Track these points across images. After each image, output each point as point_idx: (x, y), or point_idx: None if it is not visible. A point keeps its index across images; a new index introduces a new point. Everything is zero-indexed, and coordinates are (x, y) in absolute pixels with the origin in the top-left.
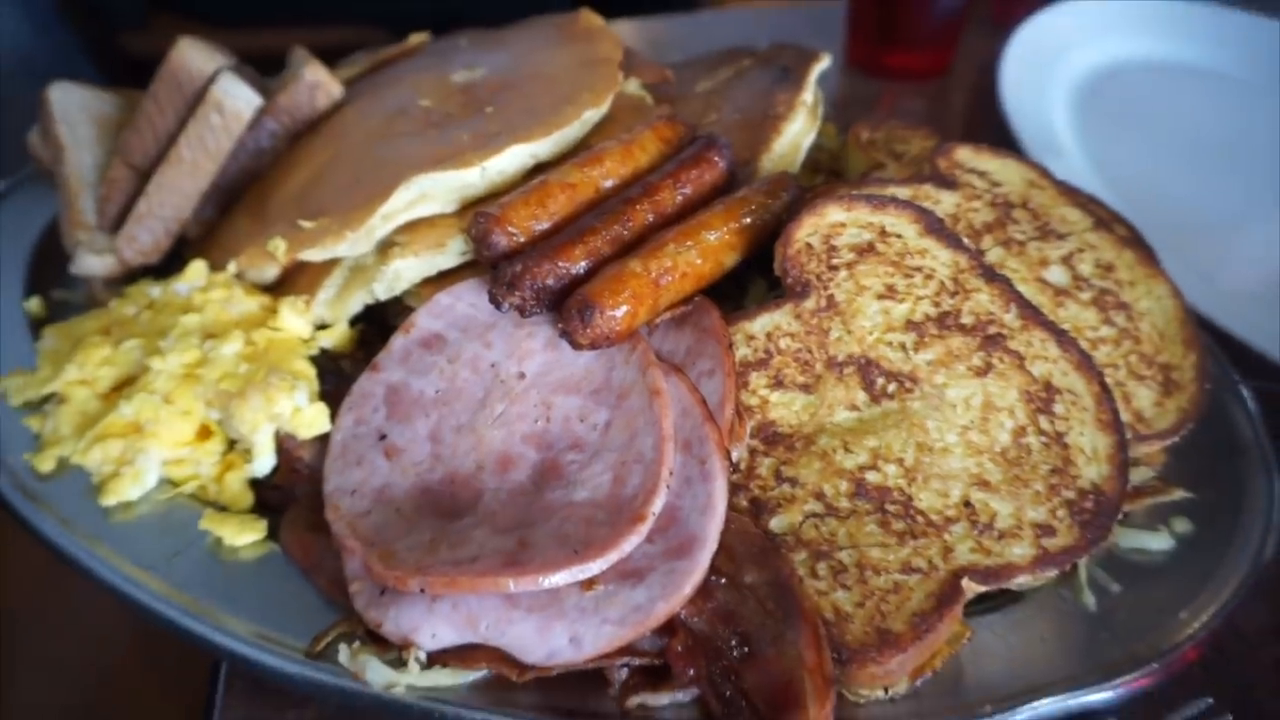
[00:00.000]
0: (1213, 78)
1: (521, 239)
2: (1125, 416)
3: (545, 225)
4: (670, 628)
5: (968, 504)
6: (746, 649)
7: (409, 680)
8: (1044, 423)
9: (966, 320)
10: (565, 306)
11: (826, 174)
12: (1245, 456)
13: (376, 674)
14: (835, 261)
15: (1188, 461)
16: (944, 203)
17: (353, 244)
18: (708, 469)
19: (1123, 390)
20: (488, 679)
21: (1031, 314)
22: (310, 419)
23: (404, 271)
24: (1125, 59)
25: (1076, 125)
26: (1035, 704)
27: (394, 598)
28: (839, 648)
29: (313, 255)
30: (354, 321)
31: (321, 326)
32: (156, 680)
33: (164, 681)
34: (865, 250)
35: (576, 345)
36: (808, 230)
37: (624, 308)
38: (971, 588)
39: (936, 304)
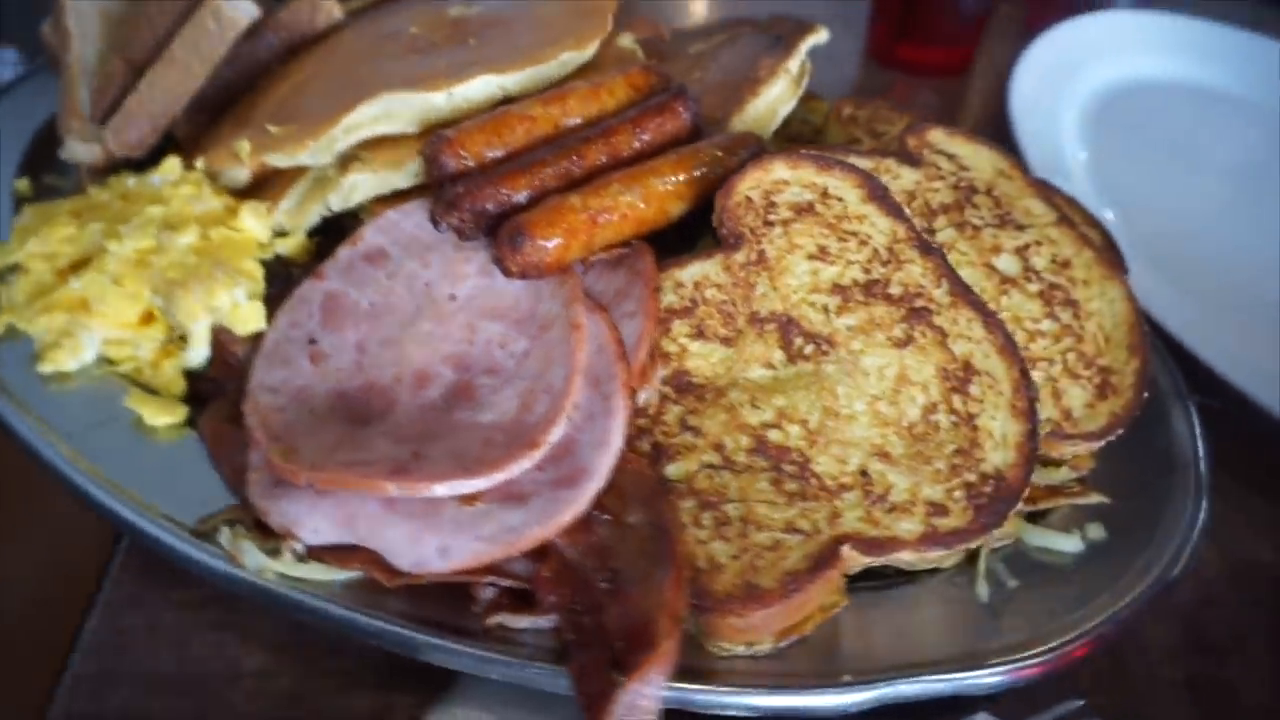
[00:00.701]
0: (1240, 104)
1: (471, 164)
2: (1053, 413)
3: (498, 154)
4: (543, 554)
5: (864, 473)
6: (615, 585)
7: (281, 569)
8: (957, 402)
9: (894, 290)
10: (499, 232)
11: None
12: (1176, 473)
13: (252, 558)
14: (772, 218)
15: (1117, 469)
16: (904, 178)
17: (314, 153)
18: (610, 405)
19: (1054, 386)
20: (361, 581)
21: (962, 292)
22: (246, 315)
23: (359, 185)
24: (1150, 78)
25: (1088, 140)
26: (897, 682)
27: (285, 491)
28: (704, 595)
29: (276, 160)
30: (315, 233)
31: (282, 234)
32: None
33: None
34: (804, 210)
35: (507, 272)
36: (750, 184)
37: (556, 240)
38: (852, 557)
39: (867, 270)
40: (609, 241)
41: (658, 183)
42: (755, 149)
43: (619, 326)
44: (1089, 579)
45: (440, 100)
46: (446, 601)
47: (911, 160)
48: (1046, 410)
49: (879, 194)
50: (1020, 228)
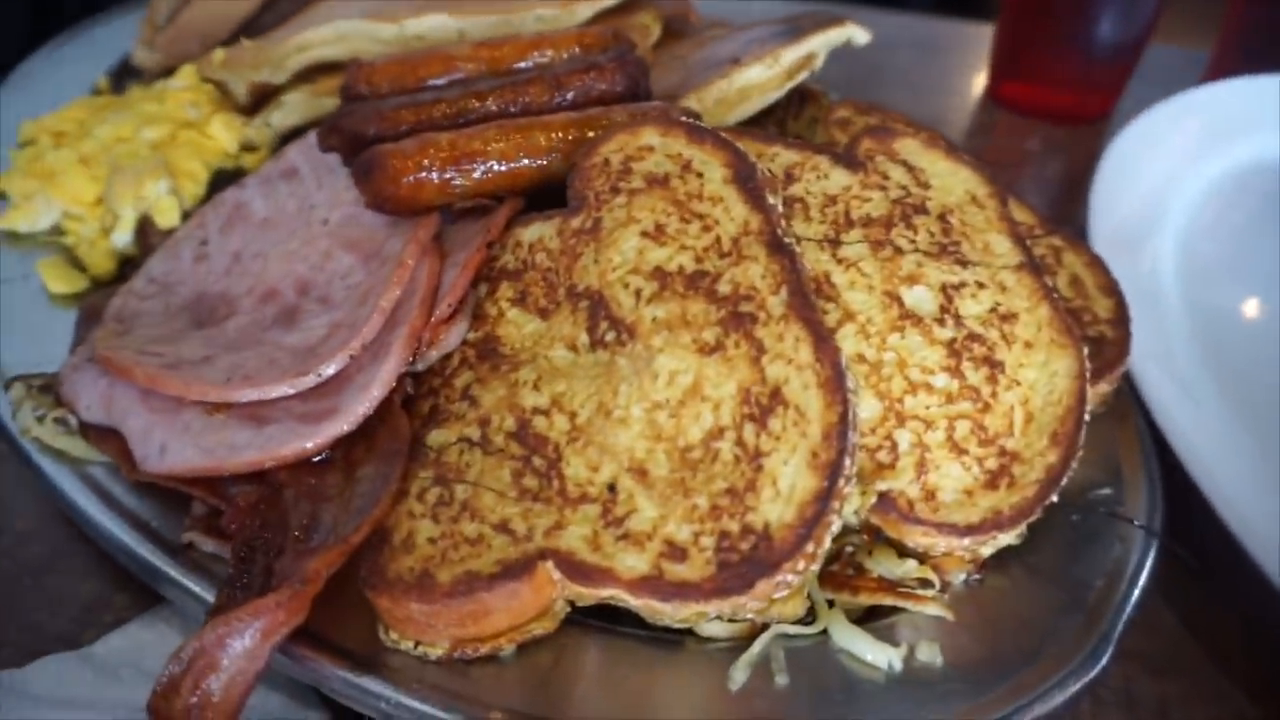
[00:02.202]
0: None
1: (382, 93)
2: (909, 488)
3: (411, 89)
4: (258, 481)
5: (612, 488)
6: (306, 535)
7: (40, 434)
8: (749, 433)
9: (723, 288)
10: (357, 158)
11: None
12: (1080, 614)
13: (23, 417)
14: (621, 185)
15: (1005, 585)
16: (831, 179)
17: (272, 70)
18: (387, 351)
19: (924, 455)
20: (112, 467)
21: (800, 306)
22: (164, 209)
23: (296, 105)
24: None
25: (1205, 214)
26: None
27: (86, 367)
28: (376, 572)
29: (243, 73)
30: None
31: (252, 149)
32: None
33: None
34: (657, 181)
35: (365, 202)
36: (614, 146)
37: (411, 176)
38: (555, 577)
39: (699, 260)
40: (481, 190)
41: (544, 137)
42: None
43: (444, 275)
44: (887, 707)
45: (389, 32)
46: (180, 511)
47: (849, 162)
48: (900, 481)
49: (746, 177)
50: (963, 263)
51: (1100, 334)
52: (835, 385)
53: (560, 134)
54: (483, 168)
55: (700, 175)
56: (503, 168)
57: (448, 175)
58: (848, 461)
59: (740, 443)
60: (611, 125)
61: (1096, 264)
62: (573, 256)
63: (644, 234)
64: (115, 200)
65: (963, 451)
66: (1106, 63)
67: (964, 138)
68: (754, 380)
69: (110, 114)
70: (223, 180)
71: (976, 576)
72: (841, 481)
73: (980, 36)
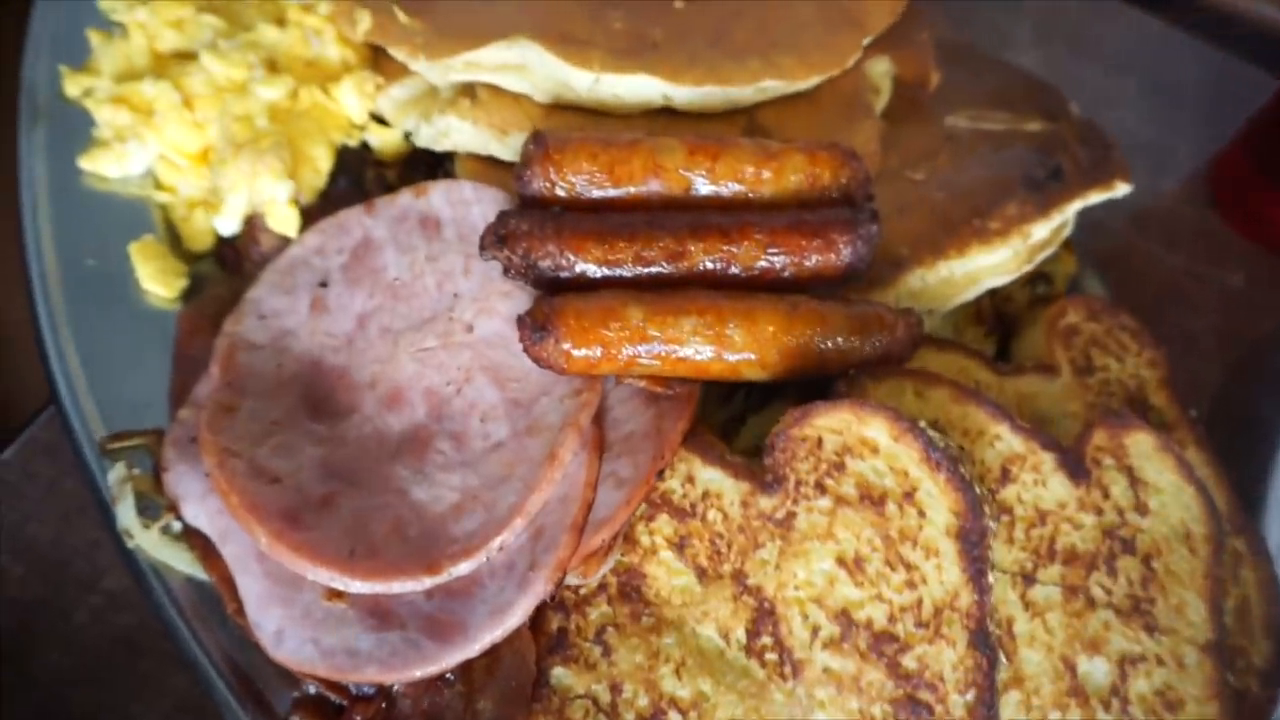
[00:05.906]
0: None
1: (559, 191)
2: None
3: (594, 192)
4: (376, 691)
5: None
6: None
7: (144, 543)
8: None
9: (907, 663)
10: (530, 309)
11: (991, 329)
12: None
13: (124, 514)
14: (829, 482)
15: None
16: (1049, 492)
17: (427, 70)
18: (529, 578)
19: None
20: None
21: (982, 718)
22: (281, 218)
23: (453, 132)
24: None
25: None
26: None
27: (192, 456)
28: None
29: (390, 50)
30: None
31: (381, 121)
32: None
33: None
34: (873, 500)
35: (525, 350)
36: (833, 423)
37: (585, 350)
38: None
39: (893, 619)
40: (654, 372)
41: (743, 336)
42: (901, 344)
43: (600, 485)
44: None
45: (581, 81)
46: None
47: (1076, 469)
48: None
49: (974, 540)
50: (1151, 630)
51: (1245, 687)
52: None
53: (763, 332)
54: (671, 356)
55: (922, 514)
56: (690, 362)
57: (629, 354)
58: None
59: None
60: (867, 356)
61: (1269, 588)
62: (752, 540)
63: (840, 560)
64: (227, 182)
65: None
66: None
67: (1166, 249)
68: None
69: (218, 21)
70: (346, 162)
71: None
72: None
73: (1232, 98)
